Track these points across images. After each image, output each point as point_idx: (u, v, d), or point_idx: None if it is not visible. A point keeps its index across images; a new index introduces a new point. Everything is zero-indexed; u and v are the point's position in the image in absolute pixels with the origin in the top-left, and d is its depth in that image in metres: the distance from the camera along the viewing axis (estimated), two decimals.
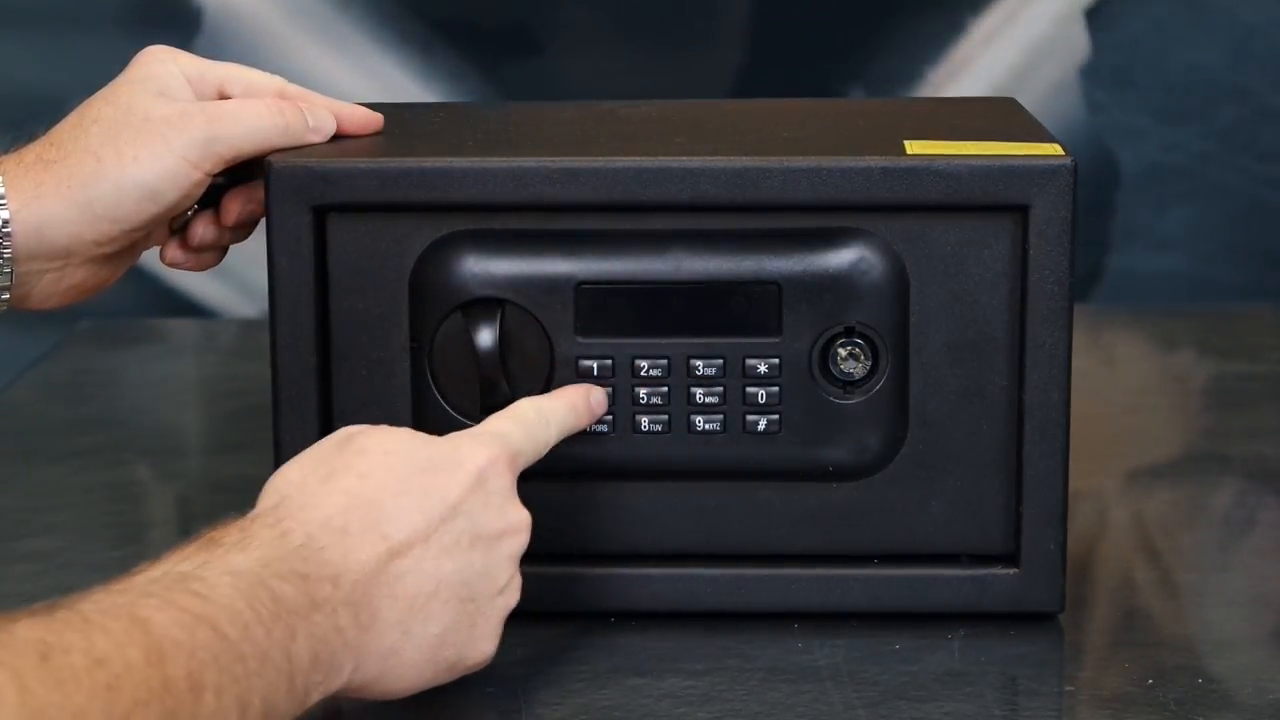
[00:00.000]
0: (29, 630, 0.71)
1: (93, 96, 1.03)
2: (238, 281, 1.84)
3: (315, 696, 0.83)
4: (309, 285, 1.01)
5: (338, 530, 0.86)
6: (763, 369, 1.01)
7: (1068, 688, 0.97)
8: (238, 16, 1.82)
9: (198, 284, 1.84)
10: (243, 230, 1.08)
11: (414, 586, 0.88)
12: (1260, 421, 1.38)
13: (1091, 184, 1.82)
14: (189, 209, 1.06)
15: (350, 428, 0.93)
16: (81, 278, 1.04)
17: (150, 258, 1.09)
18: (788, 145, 1.05)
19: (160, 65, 1.04)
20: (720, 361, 1.01)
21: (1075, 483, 1.04)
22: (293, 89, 1.07)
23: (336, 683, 0.84)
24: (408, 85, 1.83)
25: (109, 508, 1.23)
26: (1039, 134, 1.06)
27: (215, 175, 1.03)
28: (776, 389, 1.01)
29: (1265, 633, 1.03)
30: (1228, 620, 1.04)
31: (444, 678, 0.91)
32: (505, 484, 0.92)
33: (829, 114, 1.21)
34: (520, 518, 0.93)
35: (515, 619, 1.02)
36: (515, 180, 1.00)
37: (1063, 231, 0.99)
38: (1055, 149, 1.01)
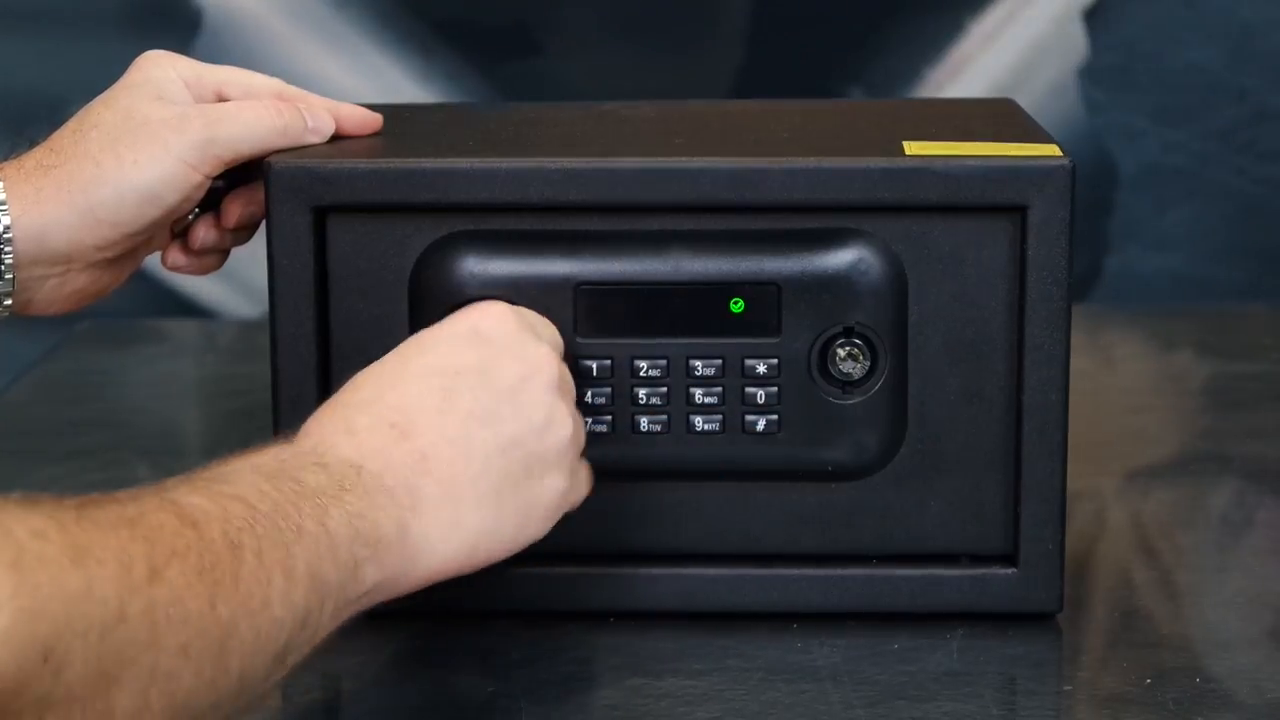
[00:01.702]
0: (63, 500, 0.73)
1: (91, 102, 1.04)
2: (238, 282, 1.84)
3: (370, 570, 0.83)
4: (309, 285, 1.01)
5: (344, 433, 0.87)
6: (762, 369, 1.01)
7: (1066, 688, 0.97)
8: (237, 17, 1.82)
9: (198, 284, 1.85)
10: (244, 232, 1.08)
11: (447, 459, 0.88)
12: (1259, 422, 1.38)
13: (1090, 184, 1.82)
14: (190, 212, 1.06)
15: (425, 333, 0.95)
16: (84, 283, 1.04)
17: (150, 259, 1.09)
18: (787, 146, 1.05)
19: (158, 69, 1.04)
20: (719, 362, 1.01)
21: (1074, 483, 1.04)
22: (291, 90, 1.07)
23: (390, 557, 0.84)
24: (407, 85, 1.83)
25: None
26: (1037, 135, 1.06)
27: (215, 178, 1.03)
28: (775, 389, 1.02)
29: (1264, 633, 1.03)
30: (1226, 620, 1.04)
31: (523, 528, 0.91)
32: (509, 329, 0.93)
33: (828, 114, 1.21)
34: (539, 353, 0.93)
35: (515, 619, 1.03)
36: (515, 180, 1.00)
37: (1061, 232, 0.99)
38: (1054, 150, 1.01)
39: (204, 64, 1.06)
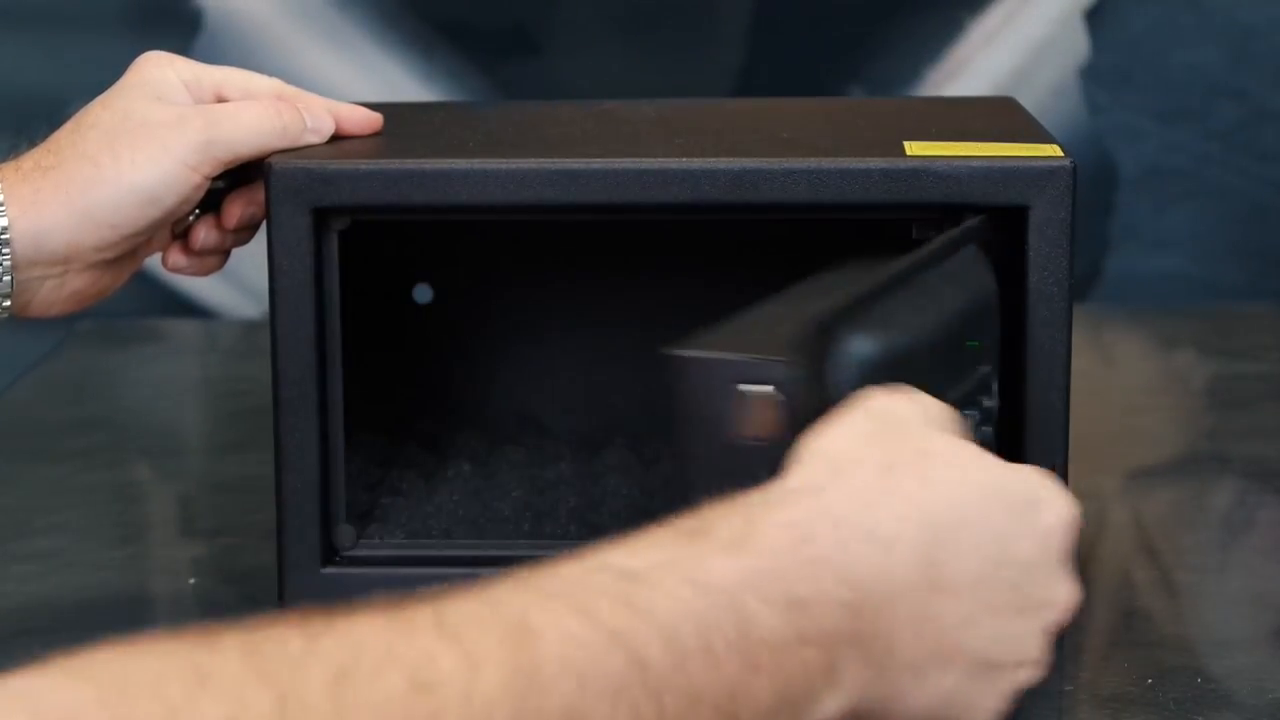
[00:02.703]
0: (343, 640, 0.55)
1: (90, 103, 1.03)
2: (238, 282, 1.84)
3: None
4: (309, 285, 1.01)
5: (884, 542, 0.69)
6: (987, 403, 0.91)
7: (1067, 687, 0.97)
8: (238, 17, 1.82)
9: (198, 284, 1.84)
10: (245, 233, 1.08)
11: (944, 631, 0.71)
12: (1260, 421, 1.38)
13: (1091, 184, 1.81)
14: (190, 213, 1.06)
15: (894, 403, 0.75)
16: (83, 284, 1.04)
17: (150, 260, 1.09)
18: (788, 146, 1.05)
19: (157, 70, 1.04)
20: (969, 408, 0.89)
21: (1075, 482, 1.04)
22: (290, 90, 1.06)
23: None
24: (408, 85, 1.83)
25: (109, 508, 1.23)
26: (1038, 134, 1.06)
27: (215, 179, 1.03)
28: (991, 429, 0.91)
29: (1265, 633, 1.03)
30: (1227, 620, 1.04)
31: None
32: (1067, 547, 0.75)
33: (829, 114, 1.21)
34: (1070, 593, 0.75)
35: None
36: (515, 181, 1.00)
37: (1062, 232, 0.99)
38: (1055, 150, 1.01)
39: (203, 65, 1.06)
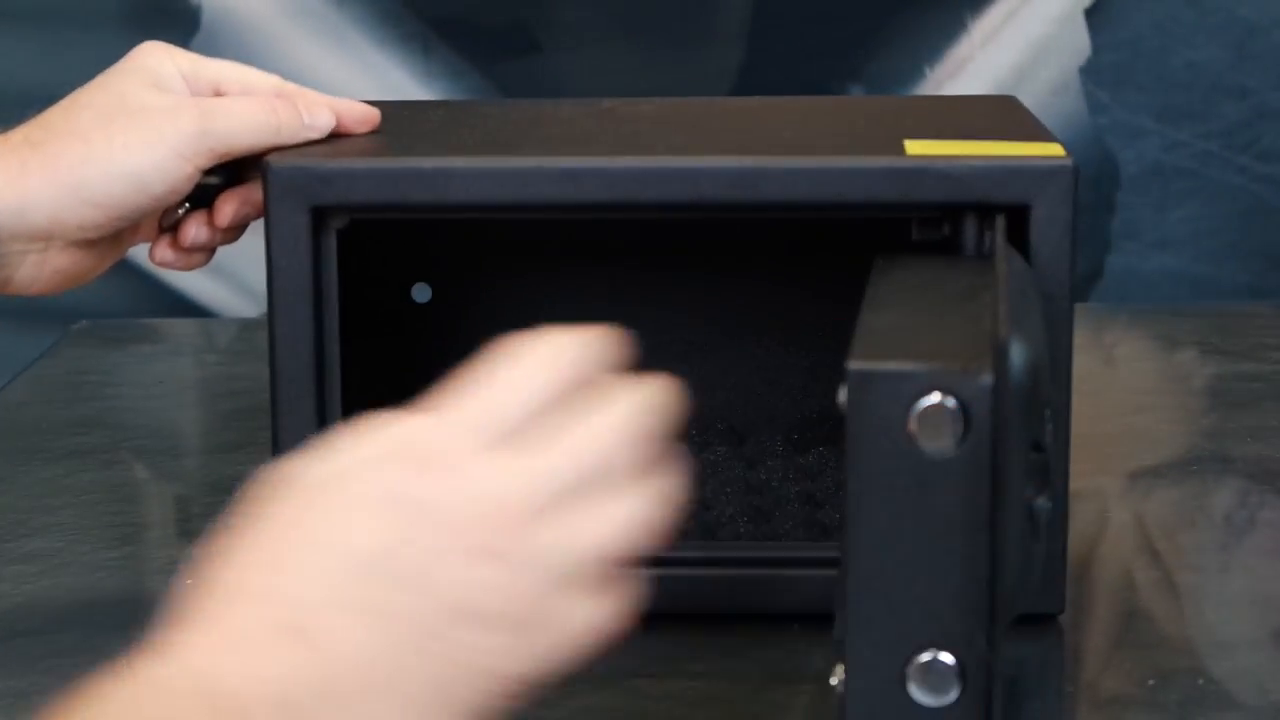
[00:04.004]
0: None
1: (86, 84, 1.03)
2: (237, 281, 1.83)
3: None
4: (308, 285, 1.01)
5: (229, 649, 0.67)
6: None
7: (1068, 689, 0.97)
8: (235, 15, 1.82)
9: (197, 284, 1.84)
10: (235, 232, 1.08)
11: (349, 671, 0.66)
12: (1262, 421, 1.37)
13: (1092, 183, 1.81)
14: (179, 206, 1.06)
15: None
16: (66, 263, 1.03)
17: (144, 259, 1.09)
18: (788, 145, 1.04)
19: (155, 59, 1.04)
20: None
21: (1075, 483, 1.04)
22: (290, 87, 1.06)
23: None
24: (407, 84, 1.83)
25: (107, 508, 1.22)
26: (1040, 134, 1.05)
27: (209, 174, 1.03)
28: None
29: (1267, 634, 1.03)
30: (1229, 621, 1.04)
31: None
32: (436, 481, 0.68)
33: (830, 112, 1.21)
34: (466, 506, 0.67)
35: None
36: (515, 180, 1.00)
37: (1063, 232, 0.99)
38: (1056, 149, 1.00)
39: (202, 57, 1.05)
